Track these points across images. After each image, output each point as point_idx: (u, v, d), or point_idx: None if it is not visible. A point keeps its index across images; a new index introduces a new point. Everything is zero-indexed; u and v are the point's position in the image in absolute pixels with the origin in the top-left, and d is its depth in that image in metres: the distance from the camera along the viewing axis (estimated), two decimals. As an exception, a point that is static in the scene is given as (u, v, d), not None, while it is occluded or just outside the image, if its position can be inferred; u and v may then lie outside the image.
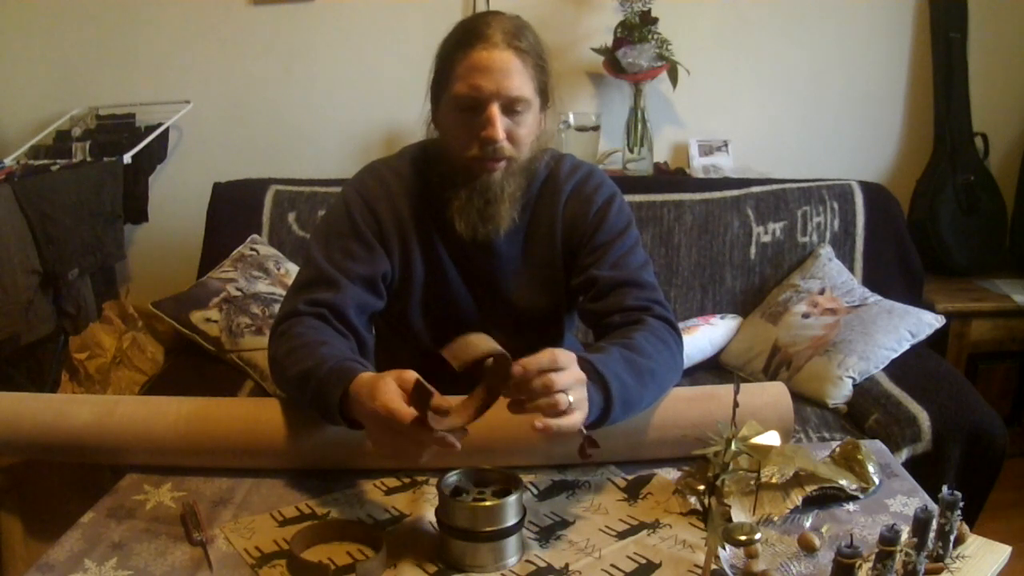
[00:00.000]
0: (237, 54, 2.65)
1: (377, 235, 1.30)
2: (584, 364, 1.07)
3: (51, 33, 2.63)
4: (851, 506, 1.09)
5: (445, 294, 1.35)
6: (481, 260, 1.34)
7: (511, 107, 1.22)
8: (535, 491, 1.14)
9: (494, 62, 1.19)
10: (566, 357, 1.00)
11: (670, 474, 1.17)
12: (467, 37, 1.22)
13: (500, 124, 1.21)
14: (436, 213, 1.30)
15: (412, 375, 0.98)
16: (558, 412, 0.97)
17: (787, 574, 0.95)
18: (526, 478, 1.10)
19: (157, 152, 2.63)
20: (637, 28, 2.47)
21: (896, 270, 2.31)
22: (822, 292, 2.15)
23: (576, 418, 0.99)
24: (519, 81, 1.21)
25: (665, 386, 1.20)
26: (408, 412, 0.96)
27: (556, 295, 1.38)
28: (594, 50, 2.55)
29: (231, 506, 1.10)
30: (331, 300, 1.23)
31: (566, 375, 0.98)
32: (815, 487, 1.07)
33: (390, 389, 0.98)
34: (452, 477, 1.02)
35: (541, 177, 1.35)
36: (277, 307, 2.04)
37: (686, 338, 1.83)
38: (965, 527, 0.98)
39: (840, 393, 1.93)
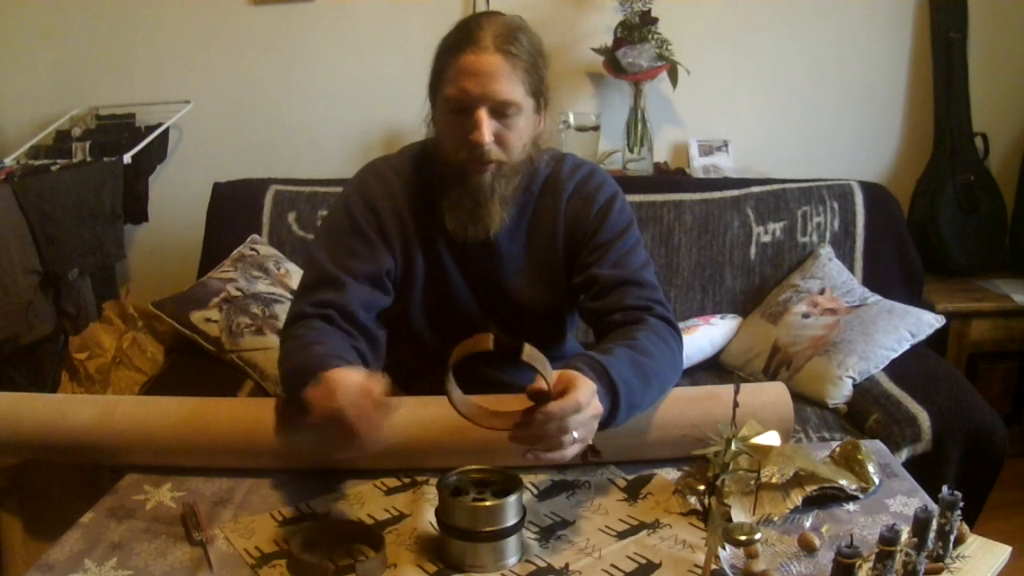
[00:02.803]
0: (237, 54, 2.65)
1: (378, 232, 1.30)
2: (595, 365, 1.07)
3: (51, 33, 2.62)
4: (851, 506, 1.09)
5: (447, 292, 1.35)
6: (482, 258, 1.34)
7: (500, 111, 1.22)
8: (535, 491, 1.14)
9: (482, 66, 1.19)
10: (588, 393, 0.99)
11: (670, 474, 1.17)
12: (459, 40, 1.23)
13: (487, 128, 1.21)
14: (436, 211, 1.31)
15: (377, 385, 0.97)
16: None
17: (787, 574, 0.95)
18: (526, 478, 1.10)
19: (157, 152, 2.63)
20: (637, 28, 2.47)
21: (896, 270, 2.31)
22: (822, 292, 2.15)
23: (572, 451, 1.00)
24: (507, 85, 1.20)
25: (666, 387, 1.20)
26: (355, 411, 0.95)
27: (557, 293, 1.38)
28: (594, 50, 2.55)
29: (231, 506, 1.10)
30: (337, 300, 1.23)
31: (582, 415, 0.98)
32: (815, 487, 1.07)
33: (350, 382, 0.97)
34: (452, 477, 1.02)
35: (543, 176, 1.36)
36: (277, 307, 2.06)
37: (686, 338, 1.83)
38: (965, 527, 0.98)
39: (840, 393, 1.93)
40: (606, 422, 1.07)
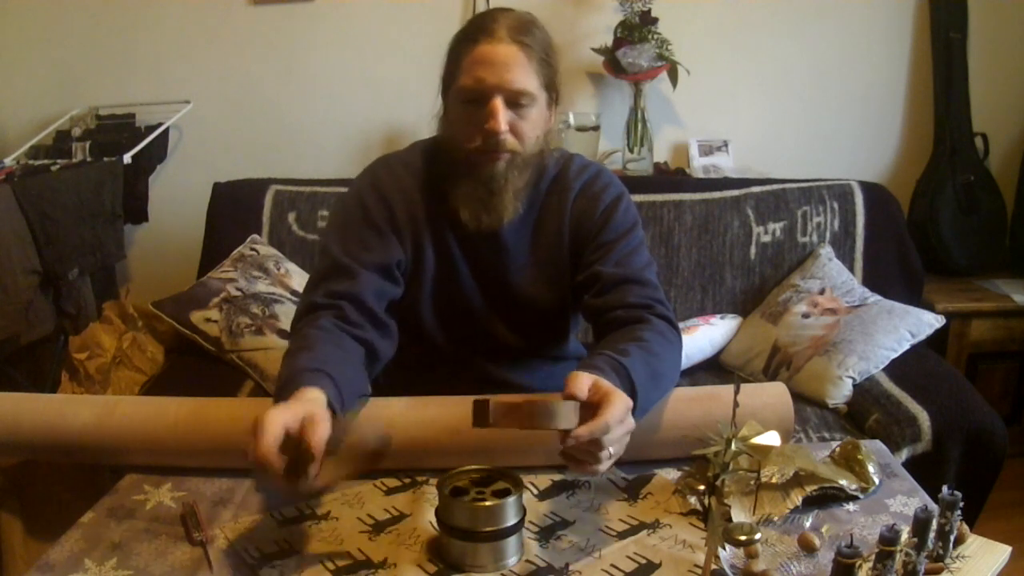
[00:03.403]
0: (237, 54, 2.65)
1: (389, 223, 1.31)
2: (619, 368, 1.07)
3: (51, 33, 2.63)
4: (851, 506, 1.09)
5: (455, 287, 1.36)
6: (488, 253, 1.35)
7: (515, 100, 1.23)
8: (535, 491, 1.14)
9: (497, 56, 1.21)
10: (622, 411, 0.98)
11: (670, 474, 1.17)
12: (473, 32, 1.24)
13: (503, 116, 1.22)
14: (446, 206, 1.31)
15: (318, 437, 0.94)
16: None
17: (787, 574, 0.95)
18: (526, 478, 1.09)
19: (157, 152, 2.63)
20: (637, 28, 2.47)
21: (896, 270, 2.31)
22: (822, 292, 2.15)
23: (606, 465, 1.00)
24: (522, 75, 1.22)
25: (670, 387, 1.21)
26: (275, 461, 0.92)
27: (561, 291, 1.38)
28: (594, 50, 2.55)
29: (231, 506, 1.10)
30: (348, 290, 1.24)
31: (616, 432, 0.98)
32: (815, 487, 1.07)
33: (272, 432, 0.93)
34: (452, 477, 1.02)
35: (551, 174, 1.37)
36: (277, 307, 2.07)
37: (686, 338, 1.83)
38: (965, 527, 0.98)
39: (840, 393, 1.93)
40: None
